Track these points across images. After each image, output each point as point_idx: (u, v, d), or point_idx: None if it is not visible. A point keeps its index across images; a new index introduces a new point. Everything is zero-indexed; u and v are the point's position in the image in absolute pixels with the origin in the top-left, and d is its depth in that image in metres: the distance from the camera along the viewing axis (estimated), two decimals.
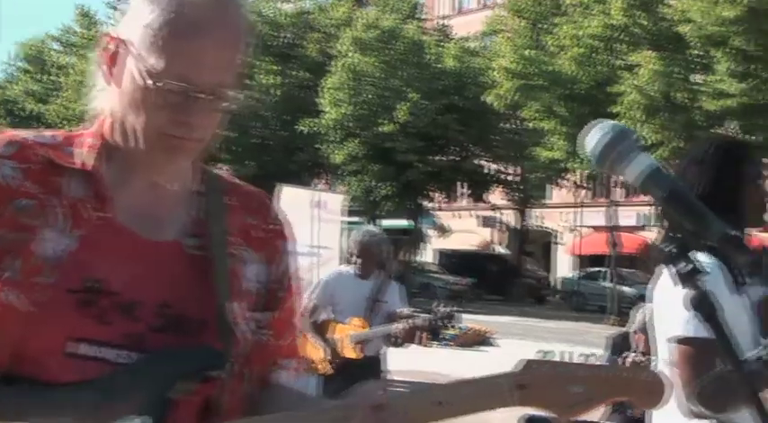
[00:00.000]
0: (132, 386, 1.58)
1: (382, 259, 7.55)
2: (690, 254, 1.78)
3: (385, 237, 7.75)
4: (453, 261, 45.88)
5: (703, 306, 1.72)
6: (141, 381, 1.60)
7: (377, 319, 7.24)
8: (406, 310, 7.35)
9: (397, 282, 7.72)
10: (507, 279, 43.20)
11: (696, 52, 27.26)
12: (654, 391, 1.78)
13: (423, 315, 7.25)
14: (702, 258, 2.87)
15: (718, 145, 3.19)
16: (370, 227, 8.11)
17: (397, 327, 7.01)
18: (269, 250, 1.84)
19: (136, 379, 1.59)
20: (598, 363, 1.76)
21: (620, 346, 6.79)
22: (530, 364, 1.74)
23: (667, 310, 2.88)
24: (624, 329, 6.73)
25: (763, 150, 25.66)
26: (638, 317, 6.45)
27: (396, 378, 8.84)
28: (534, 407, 1.78)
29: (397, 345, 7.15)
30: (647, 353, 6.08)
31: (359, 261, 7.33)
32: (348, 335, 7.20)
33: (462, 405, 1.70)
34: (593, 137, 1.87)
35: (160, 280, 1.68)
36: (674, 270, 1.76)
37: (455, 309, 7.40)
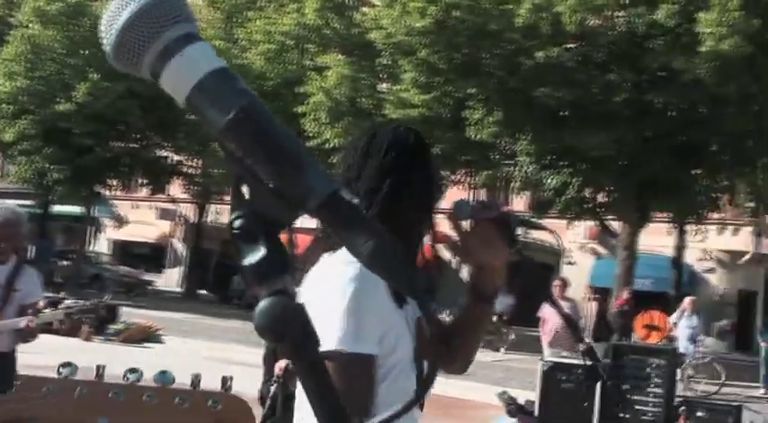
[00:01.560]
0: None
1: (21, 242, 6.59)
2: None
3: (25, 215, 6.75)
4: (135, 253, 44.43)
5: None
6: None
7: (10, 310, 6.28)
8: (58, 302, 6.45)
9: (34, 267, 6.75)
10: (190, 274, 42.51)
11: (384, 61, 27.62)
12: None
13: (51, 311, 6.39)
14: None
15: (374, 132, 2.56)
16: (9, 204, 7.02)
17: (25, 320, 6.11)
18: None
19: None
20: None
21: (274, 349, 6.29)
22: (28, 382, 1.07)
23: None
24: None
25: (442, 161, 26.47)
26: None
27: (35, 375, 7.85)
28: None
29: (26, 340, 6.25)
30: None
31: None
32: None
33: None
34: (114, 13, 1.11)
35: None
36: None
37: (95, 302, 6.58)
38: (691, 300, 20.89)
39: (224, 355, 19.26)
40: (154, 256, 48.49)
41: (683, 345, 19.36)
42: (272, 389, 5.93)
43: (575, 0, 21.56)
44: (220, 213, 46.44)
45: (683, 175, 23.68)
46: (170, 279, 45.82)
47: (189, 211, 46.03)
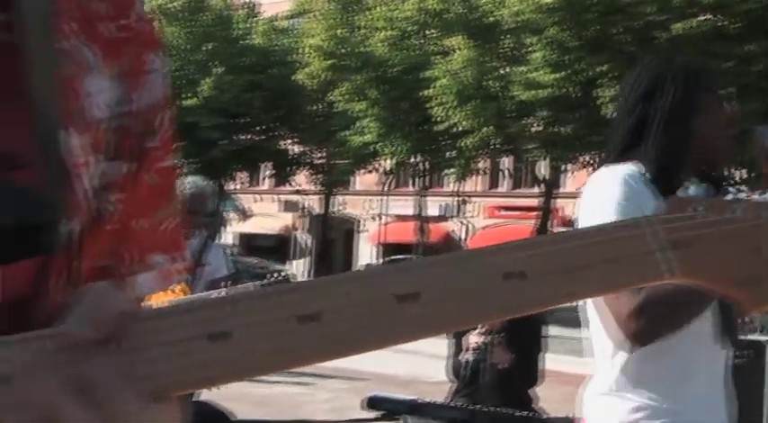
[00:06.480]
0: None
1: (207, 215, 6.45)
2: None
3: (213, 188, 6.59)
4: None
5: None
6: None
7: (199, 285, 6.15)
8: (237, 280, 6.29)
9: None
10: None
11: (509, 42, 27.16)
12: None
13: (251, 282, 6.23)
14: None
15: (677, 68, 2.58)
16: (196, 178, 6.79)
17: (221, 294, 6.00)
18: (127, 62, 0.86)
19: None
20: None
21: None
22: (677, 203, 0.85)
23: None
24: None
25: (570, 142, 25.97)
26: None
27: None
28: (698, 282, 0.87)
29: None
30: None
31: None
32: (167, 302, 6.09)
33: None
34: None
35: None
36: None
37: (286, 276, 6.46)
38: None
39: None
40: (278, 247, 48.88)
41: None
42: (469, 358, 5.74)
43: None
44: (345, 203, 46.70)
45: None
46: (297, 269, 46.22)
47: (313, 202, 46.34)
